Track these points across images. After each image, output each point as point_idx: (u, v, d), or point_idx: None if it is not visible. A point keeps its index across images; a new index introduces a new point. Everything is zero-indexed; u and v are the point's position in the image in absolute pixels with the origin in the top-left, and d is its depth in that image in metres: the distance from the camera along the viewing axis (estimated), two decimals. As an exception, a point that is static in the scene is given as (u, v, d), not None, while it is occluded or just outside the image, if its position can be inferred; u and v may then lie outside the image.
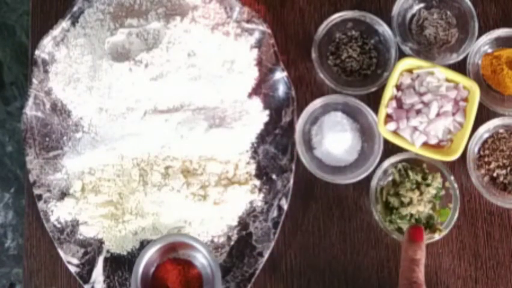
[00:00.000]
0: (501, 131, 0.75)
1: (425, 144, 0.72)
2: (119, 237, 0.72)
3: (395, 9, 0.76)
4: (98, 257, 0.72)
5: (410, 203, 0.71)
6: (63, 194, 0.73)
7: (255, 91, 0.75)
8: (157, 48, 0.70)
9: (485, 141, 0.75)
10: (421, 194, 0.71)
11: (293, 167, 0.73)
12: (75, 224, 0.72)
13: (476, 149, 0.74)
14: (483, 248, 0.74)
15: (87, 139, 0.74)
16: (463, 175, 0.75)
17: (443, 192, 0.72)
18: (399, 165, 0.73)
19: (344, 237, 0.74)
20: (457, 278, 0.73)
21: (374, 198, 0.72)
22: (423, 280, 0.62)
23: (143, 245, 0.72)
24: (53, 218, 0.72)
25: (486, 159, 0.74)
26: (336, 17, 0.76)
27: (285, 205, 0.72)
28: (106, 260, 0.72)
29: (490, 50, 0.77)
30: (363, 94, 0.74)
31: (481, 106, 0.73)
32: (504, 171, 0.74)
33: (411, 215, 0.71)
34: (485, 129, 0.74)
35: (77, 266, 0.72)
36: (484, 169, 0.74)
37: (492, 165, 0.74)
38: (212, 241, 0.72)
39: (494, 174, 0.74)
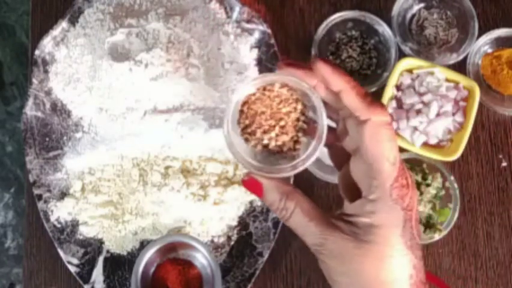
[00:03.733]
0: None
1: (425, 144, 0.72)
2: (119, 237, 0.72)
3: (395, 9, 0.76)
4: (98, 257, 0.72)
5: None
6: (63, 194, 0.73)
7: (255, 91, 0.75)
8: (157, 48, 0.70)
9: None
10: (421, 194, 0.71)
11: (293, 167, 0.73)
12: (75, 224, 0.72)
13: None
14: (483, 248, 0.74)
15: (87, 139, 0.74)
16: (463, 175, 0.75)
17: (443, 192, 0.72)
18: (399, 165, 0.73)
19: (344, 237, 0.74)
20: (457, 278, 0.73)
21: (374, 198, 0.72)
22: None
23: (143, 245, 0.72)
24: (53, 218, 0.72)
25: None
26: (336, 17, 0.76)
27: (285, 205, 0.72)
28: (106, 260, 0.72)
29: (490, 50, 0.77)
30: (363, 94, 0.74)
31: (481, 106, 0.73)
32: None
33: (411, 215, 0.71)
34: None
35: (77, 266, 0.72)
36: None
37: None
38: (212, 241, 0.72)
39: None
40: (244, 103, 0.45)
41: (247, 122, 0.45)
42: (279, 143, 0.45)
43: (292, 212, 0.46)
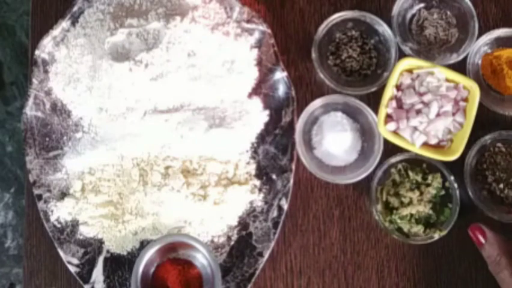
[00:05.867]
0: (498, 144, 0.75)
1: (425, 144, 0.72)
2: (119, 237, 0.72)
3: (395, 9, 0.76)
4: (98, 257, 0.72)
5: (410, 203, 0.71)
6: (63, 194, 0.73)
7: (255, 91, 0.75)
8: (157, 48, 0.70)
9: (482, 155, 0.75)
10: (421, 194, 0.71)
11: (293, 167, 0.73)
12: (75, 224, 0.72)
13: (473, 163, 0.74)
14: (483, 248, 0.74)
15: (87, 139, 0.74)
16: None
17: (443, 192, 0.72)
18: (399, 165, 0.73)
19: (344, 237, 0.74)
20: (457, 278, 0.73)
21: (374, 198, 0.72)
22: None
23: (143, 245, 0.72)
24: (53, 218, 0.72)
25: (483, 173, 0.74)
26: (336, 17, 0.76)
27: (285, 205, 0.72)
28: (106, 260, 0.72)
29: (490, 50, 0.77)
30: (363, 94, 0.74)
31: (481, 106, 0.73)
32: (501, 185, 0.74)
33: (411, 215, 0.71)
34: (483, 143, 0.74)
35: (77, 266, 0.72)
36: (481, 183, 0.74)
37: (489, 179, 0.74)
38: (212, 241, 0.72)
39: (492, 188, 0.74)
40: None
41: None
42: None
43: (501, 270, 0.62)
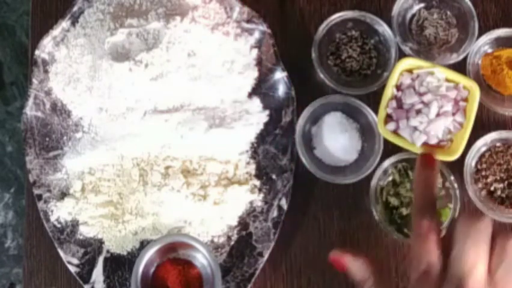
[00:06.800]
0: (498, 144, 0.75)
1: (425, 144, 0.72)
2: (119, 237, 0.72)
3: (395, 9, 0.76)
4: (98, 257, 0.72)
5: (410, 203, 0.71)
6: (63, 194, 0.73)
7: (255, 91, 0.75)
8: (157, 48, 0.70)
9: (482, 155, 0.75)
10: (421, 194, 0.71)
11: (293, 167, 0.73)
12: (75, 224, 0.72)
13: (473, 163, 0.74)
14: (483, 248, 0.74)
15: (87, 139, 0.74)
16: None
17: (443, 192, 0.72)
18: (399, 165, 0.73)
19: (344, 237, 0.74)
20: (457, 278, 0.73)
21: (374, 198, 0.72)
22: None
23: (143, 245, 0.72)
24: (53, 218, 0.72)
25: (483, 173, 0.74)
26: (336, 17, 0.76)
27: (285, 205, 0.72)
28: (106, 260, 0.72)
29: (490, 50, 0.77)
30: (363, 94, 0.74)
31: (481, 106, 0.73)
32: (501, 185, 0.74)
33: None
34: (482, 143, 0.74)
35: (77, 266, 0.72)
36: (481, 183, 0.74)
37: (489, 179, 0.74)
38: (212, 241, 0.72)
39: (492, 188, 0.74)
40: None
41: None
42: None
43: None
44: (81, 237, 0.72)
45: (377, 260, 0.60)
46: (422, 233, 0.49)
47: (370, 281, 0.55)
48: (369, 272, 0.56)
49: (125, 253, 0.72)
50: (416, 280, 0.49)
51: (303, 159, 0.72)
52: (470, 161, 0.73)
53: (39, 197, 0.73)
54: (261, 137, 0.74)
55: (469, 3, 0.76)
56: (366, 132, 0.74)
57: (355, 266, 0.57)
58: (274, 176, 0.73)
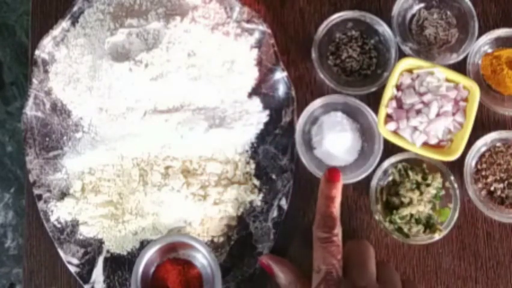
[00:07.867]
0: (498, 144, 0.75)
1: (425, 144, 0.72)
2: (119, 237, 0.72)
3: (395, 9, 0.76)
4: (98, 257, 0.72)
5: (410, 203, 0.71)
6: (63, 194, 0.73)
7: (255, 91, 0.75)
8: (157, 48, 0.70)
9: (482, 155, 0.74)
10: (421, 194, 0.71)
11: (293, 167, 0.73)
12: (75, 224, 0.72)
13: (473, 163, 0.74)
14: (483, 248, 0.74)
15: (87, 139, 0.74)
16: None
17: (443, 192, 0.72)
18: (399, 165, 0.73)
19: (344, 237, 0.74)
20: (456, 278, 0.73)
21: (374, 198, 0.72)
22: (338, 216, 0.64)
23: (143, 245, 0.72)
24: (53, 218, 0.72)
25: (483, 173, 0.74)
26: (336, 17, 0.76)
27: (285, 205, 0.72)
28: (106, 260, 0.72)
29: (490, 50, 0.77)
30: (363, 94, 0.74)
31: (481, 106, 0.73)
32: (501, 185, 0.74)
33: (411, 215, 0.71)
34: (482, 143, 0.74)
35: (77, 266, 0.72)
36: (481, 183, 0.74)
37: (489, 179, 0.74)
38: (212, 241, 0.72)
39: (492, 188, 0.74)
40: None
41: None
42: None
43: None
44: (81, 237, 0.72)
45: (301, 268, 0.65)
46: (321, 244, 0.61)
47: (293, 286, 0.63)
48: (293, 277, 0.64)
49: (125, 253, 0.72)
50: (318, 283, 0.58)
51: (303, 159, 0.72)
52: (470, 161, 0.73)
53: (39, 197, 0.73)
54: (261, 137, 0.74)
55: (469, 3, 0.76)
56: (366, 132, 0.74)
57: (280, 271, 0.65)
58: (274, 176, 0.73)
